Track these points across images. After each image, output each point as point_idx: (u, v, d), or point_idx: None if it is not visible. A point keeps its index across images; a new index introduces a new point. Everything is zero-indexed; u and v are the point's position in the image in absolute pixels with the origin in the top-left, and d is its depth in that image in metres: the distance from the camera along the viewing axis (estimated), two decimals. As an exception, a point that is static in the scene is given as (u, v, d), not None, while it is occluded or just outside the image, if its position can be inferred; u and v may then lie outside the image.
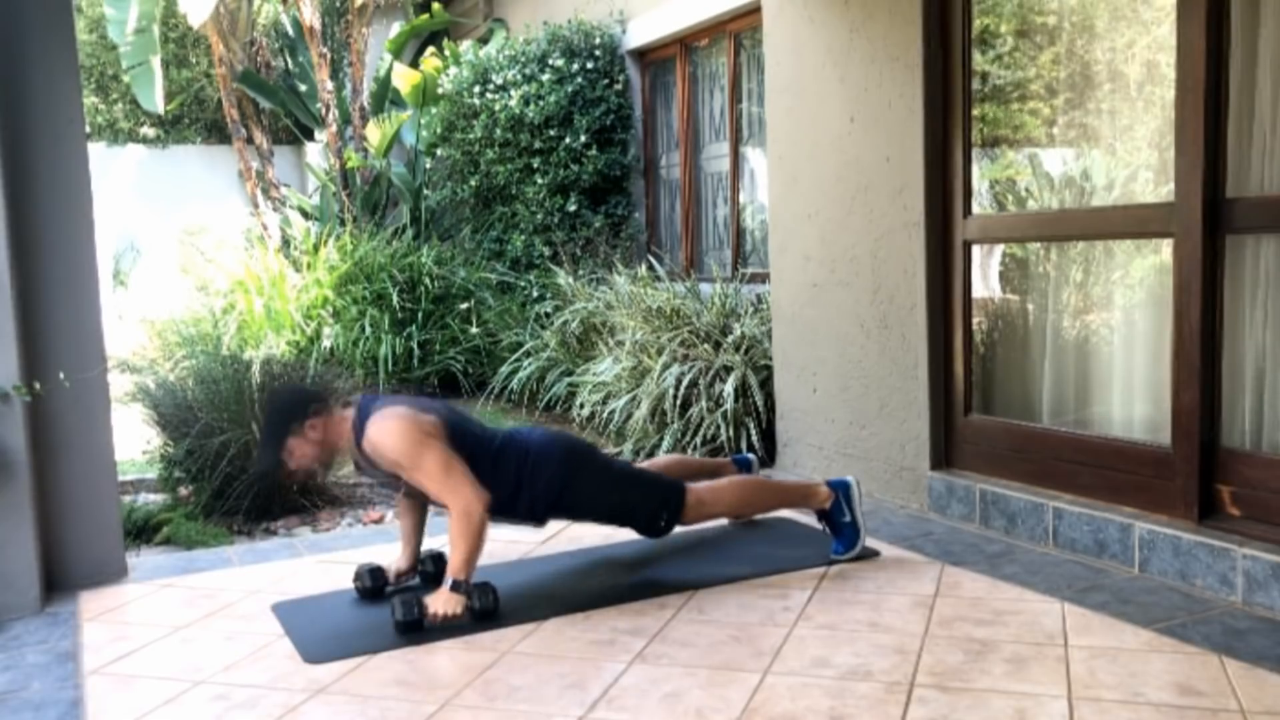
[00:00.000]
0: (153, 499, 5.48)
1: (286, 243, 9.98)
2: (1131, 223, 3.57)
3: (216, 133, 12.12)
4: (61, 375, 3.56)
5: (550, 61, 7.79)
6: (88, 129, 6.56)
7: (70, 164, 3.59)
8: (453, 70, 8.68)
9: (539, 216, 7.90)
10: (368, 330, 7.78)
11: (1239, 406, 3.31)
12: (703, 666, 2.78)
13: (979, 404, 4.17)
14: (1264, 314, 3.23)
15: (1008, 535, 3.85)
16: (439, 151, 9.13)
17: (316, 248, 8.42)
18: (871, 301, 4.42)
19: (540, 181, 7.82)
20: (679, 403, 5.37)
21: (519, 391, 7.01)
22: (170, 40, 11.82)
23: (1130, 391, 3.75)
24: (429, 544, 3.69)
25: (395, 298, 7.92)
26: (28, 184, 3.53)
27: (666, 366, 5.50)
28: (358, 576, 3.44)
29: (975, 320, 4.18)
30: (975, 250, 4.13)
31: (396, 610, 3.08)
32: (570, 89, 7.73)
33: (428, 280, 8.14)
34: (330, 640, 3.06)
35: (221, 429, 4.99)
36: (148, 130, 12.05)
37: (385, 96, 11.02)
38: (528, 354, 7.09)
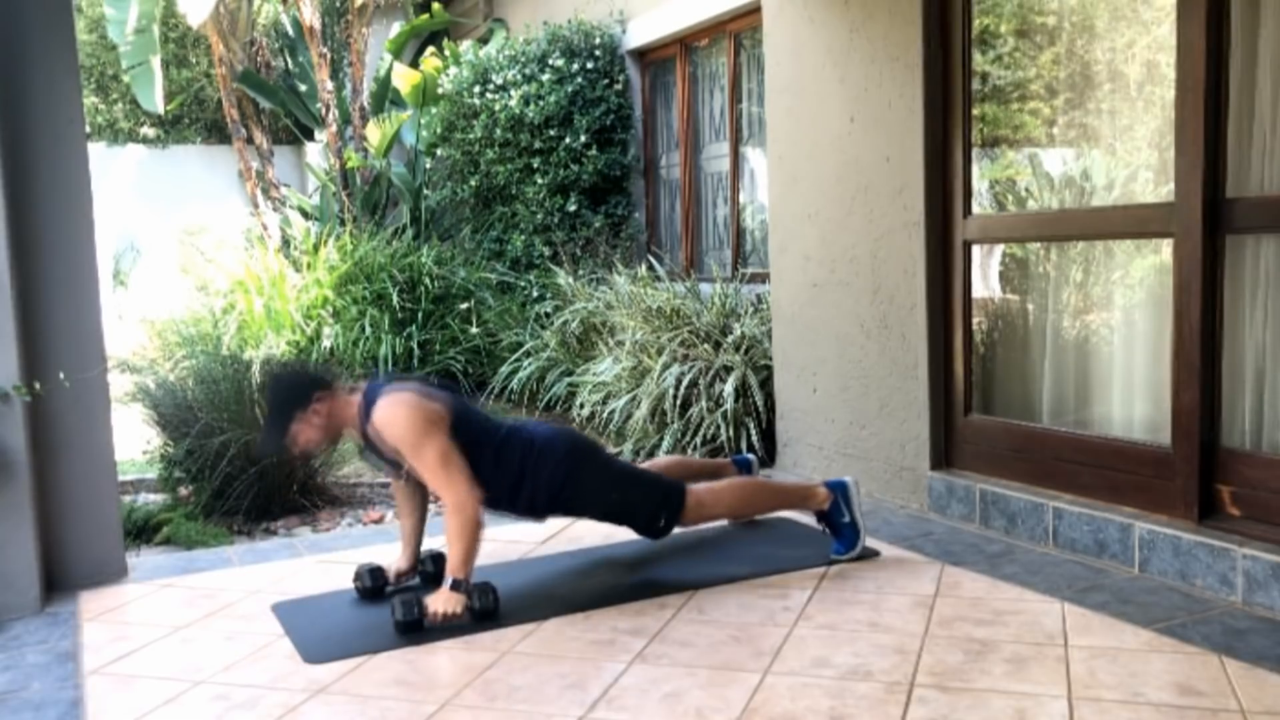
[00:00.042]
0: (153, 499, 5.49)
1: (286, 243, 9.97)
2: (1131, 223, 3.57)
3: (216, 133, 12.12)
4: (61, 375, 3.55)
5: (550, 61, 7.79)
6: (88, 129, 6.55)
7: (70, 164, 3.59)
8: (453, 70, 8.68)
9: (539, 216, 7.90)
10: (368, 330, 7.78)
11: (1239, 406, 3.31)
12: (703, 666, 2.78)
13: (979, 404, 4.17)
14: (1264, 314, 3.23)
15: (1008, 535, 3.85)
16: (439, 151, 9.13)
17: (316, 248, 8.42)
18: (871, 301, 4.42)
19: (540, 181, 7.81)
20: (679, 403, 5.36)
21: (519, 391, 7.01)
22: (170, 40, 11.82)
23: (1130, 391, 3.75)
24: (429, 544, 3.69)
25: (395, 298, 7.92)
26: (28, 184, 3.53)
27: (666, 366, 5.50)
28: (358, 576, 3.44)
29: (975, 320, 4.18)
30: (975, 250, 4.13)
31: (396, 610, 3.08)
32: (570, 89, 7.72)
33: (428, 280, 8.14)
34: (330, 640, 3.06)
35: (221, 429, 4.99)
36: (148, 130, 12.04)
37: (385, 96, 11.02)
38: (528, 354, 7.09)
